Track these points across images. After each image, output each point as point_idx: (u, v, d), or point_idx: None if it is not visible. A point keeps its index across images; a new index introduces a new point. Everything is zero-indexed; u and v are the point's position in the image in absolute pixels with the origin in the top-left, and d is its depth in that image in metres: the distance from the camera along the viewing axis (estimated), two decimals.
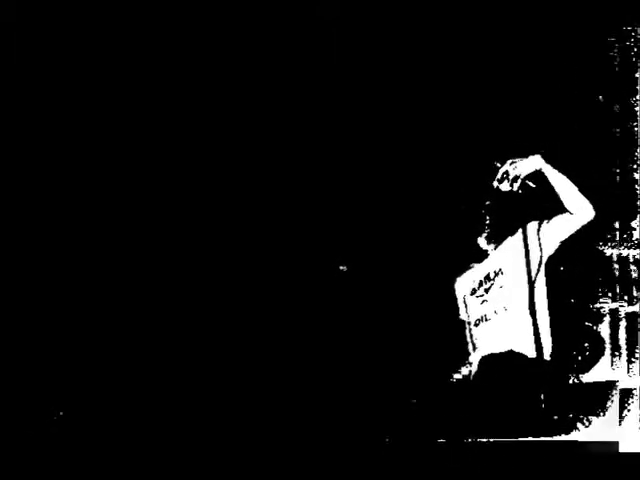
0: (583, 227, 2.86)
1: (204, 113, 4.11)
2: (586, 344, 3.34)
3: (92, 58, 4.04)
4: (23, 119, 4.09)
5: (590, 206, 2.83)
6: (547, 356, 2.85)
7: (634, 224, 3.41)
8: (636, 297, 3.38)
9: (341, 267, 3.70)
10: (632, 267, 3.40)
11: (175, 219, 4.11)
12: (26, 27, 4.00)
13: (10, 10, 3.97)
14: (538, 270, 2.89)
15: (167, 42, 4.01)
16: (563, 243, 2.91)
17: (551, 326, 2.89)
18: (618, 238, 3.42)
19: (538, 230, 2.93)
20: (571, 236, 2.89)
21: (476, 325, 3.12)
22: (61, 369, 3.91)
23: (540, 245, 2.90)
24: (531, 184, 2.86)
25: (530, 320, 2.78)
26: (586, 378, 3.29)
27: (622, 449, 2.52)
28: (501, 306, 2.99)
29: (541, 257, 2.90)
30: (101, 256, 4.10)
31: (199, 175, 4.14)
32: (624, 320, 3.38)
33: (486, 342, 3.05)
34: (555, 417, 2.72)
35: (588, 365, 3.30)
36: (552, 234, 2.91)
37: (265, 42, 3.99)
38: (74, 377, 3.89)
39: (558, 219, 2.89)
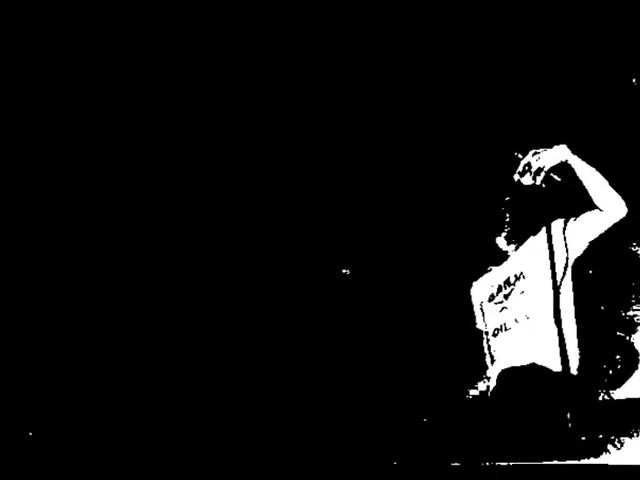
0: (614, 225, 2.70)
1: (204, 113, 4.16)
2: (618, 356, 3.21)
3: (92, 58, 4.10)
4: (23, 118, 4.18)
5: (622, 202, 2.66)
6: (574, 370, 2.70)
7: None
8: None
9: (344, 270, 3.53)
10: None
11: (178, 221, 4.18)
12: (25, 26, 4.03)
13: (10, 9, 4.00)
14: (564, 274, 2.74)
15: (167, 41, 4.05)
16: (592, 243, 2.76)
17: (578, 336, 2.75)
18: None
19: (564, 229, 2.78)
20: (601, 235, 2.74)
21: (494, 335, 3.00)
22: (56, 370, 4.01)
23: (566, 246, 2.75)
24: (556, 177, 2.68)
25: (555, 329, 2.53)
26: (618, 394, 3.14)
27: None
28: (522, 314, 2.86)
29: (567, 259, 2.75)
30: (98, 257, 4.19)
31: (200, 176, 4.23)
32: None
33: (505, 354, 2.92)
34: (583, 438, 2.51)
35: (620, 380, 3.15)
36: (580, 233, 2.76)
37: (265, 42, 4.02)
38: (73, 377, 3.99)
39: (586, 216, 2.74)
